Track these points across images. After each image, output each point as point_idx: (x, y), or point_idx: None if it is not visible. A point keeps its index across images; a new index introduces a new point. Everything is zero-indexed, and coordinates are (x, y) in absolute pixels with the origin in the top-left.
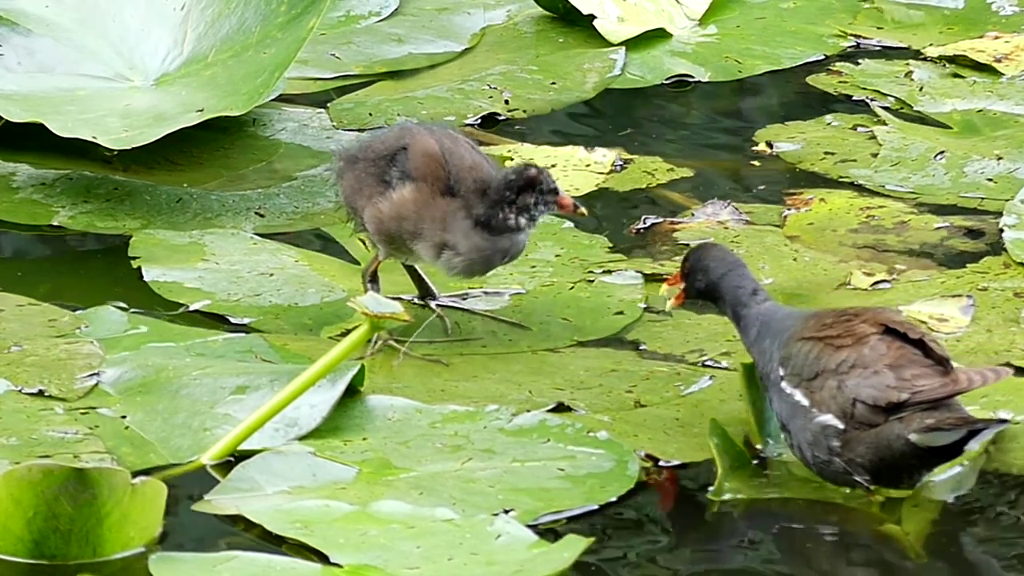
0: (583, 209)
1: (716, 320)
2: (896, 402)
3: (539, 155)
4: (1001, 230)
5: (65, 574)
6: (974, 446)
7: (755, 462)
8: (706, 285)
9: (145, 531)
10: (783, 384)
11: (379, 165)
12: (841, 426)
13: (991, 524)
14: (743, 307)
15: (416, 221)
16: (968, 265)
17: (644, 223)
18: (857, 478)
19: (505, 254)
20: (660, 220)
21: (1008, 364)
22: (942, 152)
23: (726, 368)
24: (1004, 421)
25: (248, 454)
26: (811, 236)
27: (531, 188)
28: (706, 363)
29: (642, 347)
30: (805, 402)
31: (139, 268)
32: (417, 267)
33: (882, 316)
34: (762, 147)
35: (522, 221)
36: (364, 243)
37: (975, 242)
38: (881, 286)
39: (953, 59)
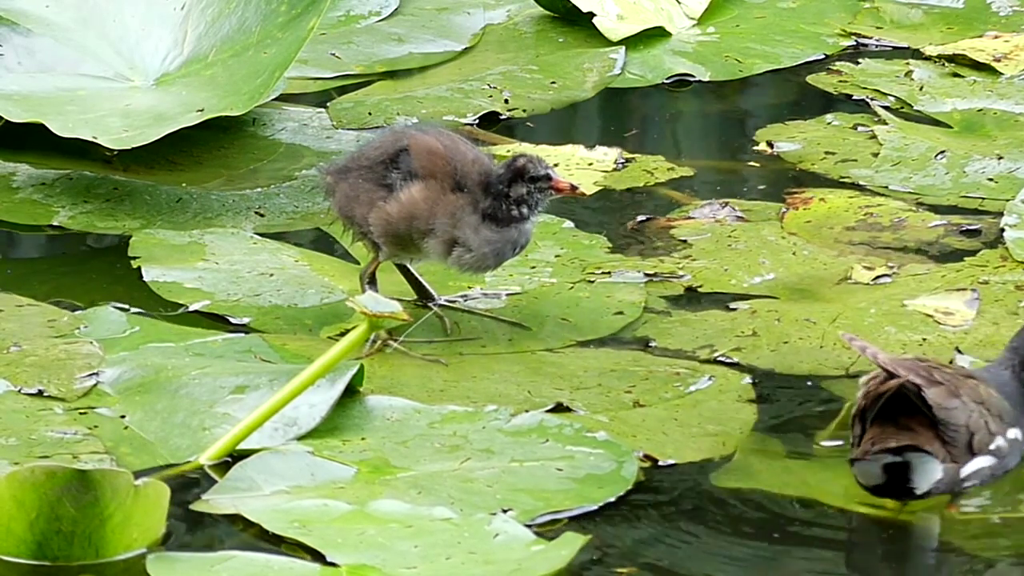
0: (583, 189)
1: (723, 316)
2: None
3: (539, 154)
4: (1002, 230)
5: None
6: (921, 484)
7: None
8: None
9: (148, 532)
10: None
11: (376, 170)
12: None
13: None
14: None
15: (428, 219)
16: (966, 259)
17: (640, 219)
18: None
19: (515, 245)
20: (656, 217)
21: None
22: (943, 152)
23: (737, 364)
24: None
25: (247, 453)
26: (808, 233)
27: (520, 178)
28: (718, 359)
29: (651, 343)
30: None
31: (139, 268)
32: (413, 270)
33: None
34: (762, 147)
35: (524, 211)
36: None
37: (972, 240)
38: (882, 280)
39: (953, 58)
